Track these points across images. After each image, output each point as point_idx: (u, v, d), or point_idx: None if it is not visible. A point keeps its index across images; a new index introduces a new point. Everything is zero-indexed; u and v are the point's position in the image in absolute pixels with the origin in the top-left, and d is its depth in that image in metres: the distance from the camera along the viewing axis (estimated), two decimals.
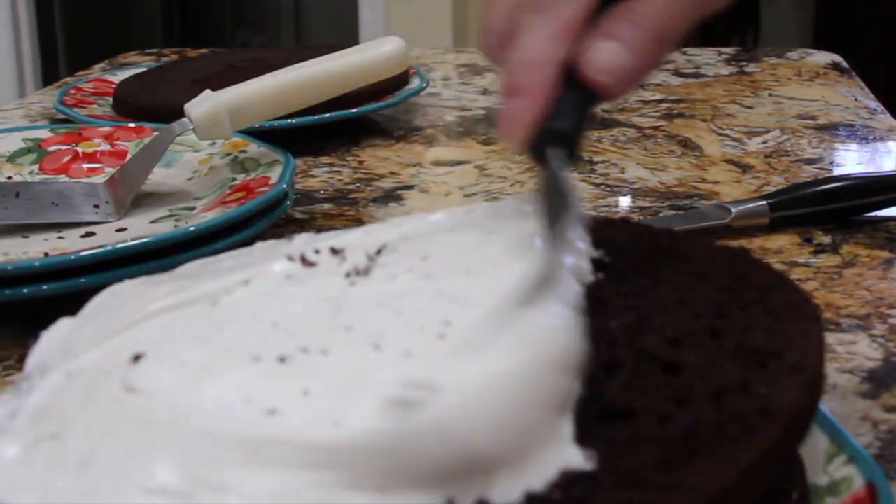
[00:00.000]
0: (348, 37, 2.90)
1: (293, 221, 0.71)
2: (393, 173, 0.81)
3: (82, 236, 0.65)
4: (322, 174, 0.81)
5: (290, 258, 0.38)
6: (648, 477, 0.29)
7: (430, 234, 0.39)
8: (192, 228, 0.59)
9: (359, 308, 0.35)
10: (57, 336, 0.36)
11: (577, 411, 0.31)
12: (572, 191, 0.38)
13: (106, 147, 0.77)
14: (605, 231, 0.42)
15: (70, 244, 0.64)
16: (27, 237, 0.65)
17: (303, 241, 0.40)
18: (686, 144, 0.87)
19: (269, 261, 0.38)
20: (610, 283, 0.38)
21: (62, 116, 0.91)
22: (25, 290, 0.55)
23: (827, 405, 0.40)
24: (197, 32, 3.83)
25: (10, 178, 0.74)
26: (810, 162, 0.82)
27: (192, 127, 0.69)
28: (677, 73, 1.12)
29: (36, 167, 0.76)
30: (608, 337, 0.35)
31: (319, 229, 0.70)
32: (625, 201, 0.75)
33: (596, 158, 0.84)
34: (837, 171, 0.81)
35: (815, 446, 0.37)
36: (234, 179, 0.70)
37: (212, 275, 0.38)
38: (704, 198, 0.75)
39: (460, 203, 0.75)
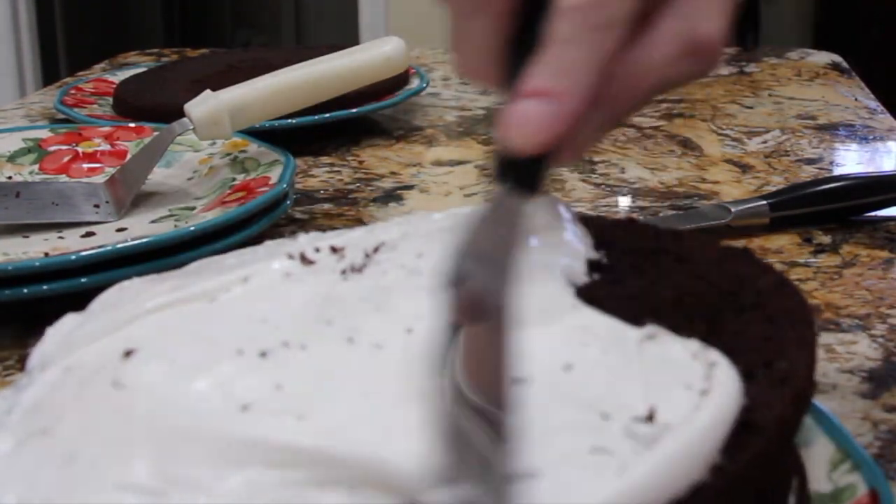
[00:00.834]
0: (348, 37, 2.90)
1: (293, 221, 0.71)
2: (393, 173, 0.81)
3: (82, 236, 0.65)
4: (322, 174, 0.81)
5: (291, 256, 0.39)
6: None
7: (430, 233, 0.39)
8: (192, 228, 0.59)
9: (344, 303, 0.35)
10: (61, 332, 0.37)
11: None
12: (514, 244, 0.33)
13: (106, 147, 0.77)
14: (608, 231, 0.41)
15: (70, 244, 0.64)
16: (27, 237, 0.65)
17: (306, 240, 0.40)
18: (686, 144, 0.87)
19: (270, 259, 0.39)
20: (604, 285, 0.38)
21: (62, 116, 0.91)
22: (25, 290, 0.55)
23: (827, 405, 0.39)
24: (197, 32, 3.83)
25: (10, 178, 0.74)
26: (810, 162, 0.82)
27: (192, 127, 0.69)
28: None
29: (36, 167, 0.76)
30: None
31: (319, 229, 0.70)
32: (625, 201, 0.75)
33: (596, 158, 0.84)
34: (837, 171, 0.81)
35: (819, 453, 0.37)
36: (234, 179, 0.70)
37: (214, 272, 0.38)
38: (704, 198, 0.75)
39: (461, 203, 0.75)
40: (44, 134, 0.78)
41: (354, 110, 0.88)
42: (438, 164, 0.84)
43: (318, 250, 0.39)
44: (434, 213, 0.41)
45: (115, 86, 0.98)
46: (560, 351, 0.33)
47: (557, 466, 0.28)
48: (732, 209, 0.67)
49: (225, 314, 0.36)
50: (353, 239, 0.40)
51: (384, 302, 0.35)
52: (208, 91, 0.70)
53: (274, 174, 0.67)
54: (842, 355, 0.52)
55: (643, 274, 0.39)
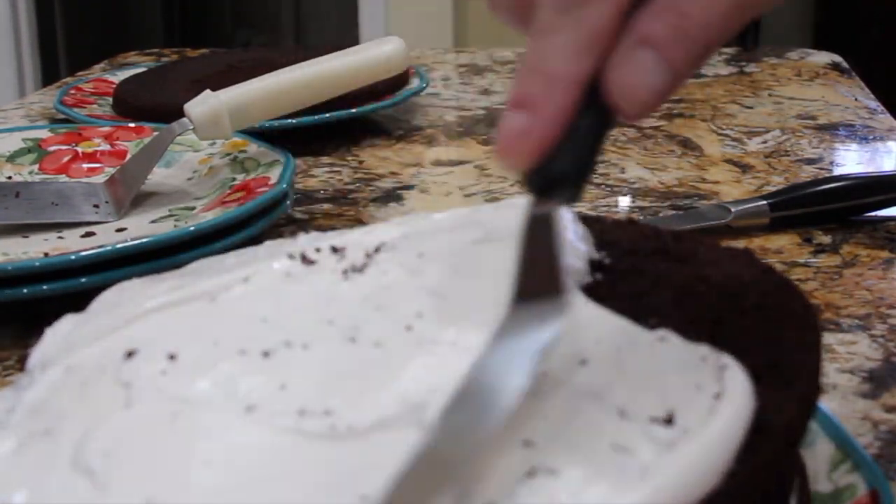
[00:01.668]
0: (348, 37, 2.90)
1: (293, 221, 0.71)
2: (393, 173, 0.81)
3: (82, 236, 0.65)
4: (322, 174, 0.81)
5: (291, 256, 0.39)
6: None
7: (430, 233, 0.40)
8: (192, 228, 0.59)
9: (345, 302, 0.35)
10: (60, 332, 0.37)
11: None
12: (560, 257, 0.32)
13: (106, 147, 0.77)
14: (610, 232, 0.41)
15: (70, 244, 0.64)
16: (27, 237, 0.65)
17: (306, 240, 0.40)
18: (686, 144, 0.87)
19: (271, 259, 0.39)
20: (607, 285, 0.38)
21: (62, 116, 0.91)
22: (25, 290, 0.55)
23: (827, 405, 0.39)
24: (197, 32, 3.83)
25: (10, 178, 0.74)
26: (810, 162, 0.82)
27: (192, 127, 0.69)
28: None
29: (36, 167, 0.76)
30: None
31: (319, 229, 0.70)
32: (625, 201, 0.75)
33: None
34: (837, 171, 0.81)
35: (819, 453, 0.37)
36: (233, 179, 0.70)
37: (214, 272, 0.39)
38: (704, 198, 0.75)
39: (461, 203, 0.75)
40: (43, 134, 0.78)
41: (354, 110, 0.88)
42: (438, 164, 0.84)
43: (318, 250, 0.39)
44: (434, 214, 0.41)
45: (115, 86, 0.98)
46: (574, 345, 0.32)
47: (579, 462, 0.28)
48: (732, 209, 0.67)
49: (226, 314, 0.36)
50: (353, 239, 0.40)
51: (385, 302, 0.35)
52: (208, 91, 0.70)
53: (274, 174, 0.67)
54: (842, 355, 0.52)
55: (644, 275, 0.39)
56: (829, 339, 0.53)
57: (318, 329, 0.34)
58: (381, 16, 2.82)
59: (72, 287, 0.55)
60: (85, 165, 0.76)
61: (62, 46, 3.22)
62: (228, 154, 0.73)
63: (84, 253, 0.56)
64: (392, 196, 0.77)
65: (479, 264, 0.37)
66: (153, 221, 0.67)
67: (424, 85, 0.97)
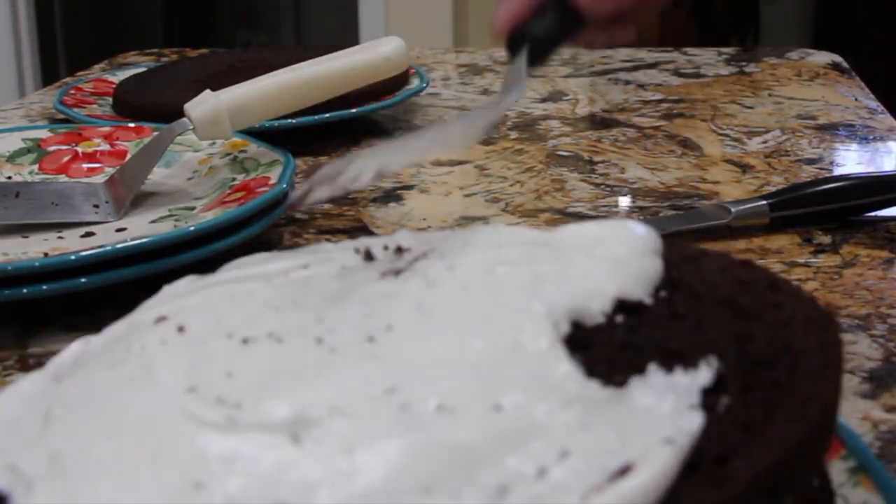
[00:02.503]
0: (348, 37, 2.90)
1: (293, 221, 0.71)
2: (393, 173, 0.81)
3: (82, 236, 0.65)
4: None
5: (357, 251, 0.38)
6: None
7: (485, 248, 0.37)
8: (192, 228, 0.59)
9: (347, 303, 0.35)
10: (177, 289, 0.37)
11: None
12: (520, 84, 0.52)
13: (106, 147, 0.77)
14: (677, 267, 0.37)
15: (70, 244, 0.64)
16: (27, 237, 0.65)
17: (395, 238, 0.39)
18: (686, 144, 0.87)
19: (344, 251, 0.38)
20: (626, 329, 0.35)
21: (62, 116, 0.91)
22: (25, 290, 0.55)
23: None
24: (197, 32, 3.83)
25: (9, 178, 0.74)
26: (810, 162, 0.82)
27: (192, 127, 0.69)
28: (677, 74, 1.12)
29: (36, 167, 0.76)
30: (606, 353, 0.33)
31: (319, 229, 0.71)
32: (625, 201, 0.75)
33: (596, 158, 0.84)
34: (837, 171, 0.81)
35: None
36: (234, 179, 0.70)
37: (304, 257, 0.39)
38: (704, 198, 0.75)
39: (461, 203, 0.75)
40: (43, 134, 0.78)
41: (354, 110, 0.88)
42: (438, 164, 0.84)
43: (386, 248, 0.38)
44: (526, 230, 0.38)
45: (114, 86, 0.98)
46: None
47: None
48: (732, 209, 0.67)
49: (257, 296, 0.35)
50: (427, 241, 0.38)
51: (380, 308, 0.34)
52: (208, 91, 0.70)
53: (274, 174, 0.67)
54: None
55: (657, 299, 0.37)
56: None
57: (304, 324, 0.33)
58: (380, 16, 2.82)
59: (72, 287, 0.55)
60: (85, 165, 0.76)
61: (62, 46, 3.22)
62: (228, 154, 0.73)
63: (84, 253, 0.56)
64: (392, 196, 0.77)
65: (492, 288, 0.34)
66: (153, 221, 0.67)
67: (424, 85, 0.97)
